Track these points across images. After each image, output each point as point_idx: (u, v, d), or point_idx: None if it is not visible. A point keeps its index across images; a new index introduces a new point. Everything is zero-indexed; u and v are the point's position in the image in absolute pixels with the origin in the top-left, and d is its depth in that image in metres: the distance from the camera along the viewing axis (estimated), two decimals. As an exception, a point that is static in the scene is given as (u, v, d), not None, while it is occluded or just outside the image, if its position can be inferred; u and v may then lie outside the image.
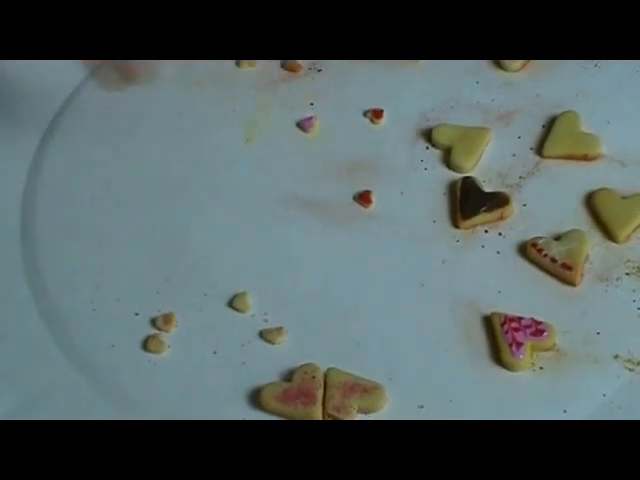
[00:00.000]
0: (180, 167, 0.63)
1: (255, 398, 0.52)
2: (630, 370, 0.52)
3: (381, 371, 0.53)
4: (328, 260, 0.58)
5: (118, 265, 0.59)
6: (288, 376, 0.53)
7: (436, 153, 0.62)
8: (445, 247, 0.58)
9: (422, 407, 0.51)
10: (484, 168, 0.61)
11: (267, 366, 0.53)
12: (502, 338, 0.53)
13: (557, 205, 0.59)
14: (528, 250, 0.56)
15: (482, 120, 0.63)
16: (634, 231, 0.57)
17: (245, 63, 0.68)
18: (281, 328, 0.55)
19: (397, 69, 0.67)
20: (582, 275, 0.55)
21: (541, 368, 0.52)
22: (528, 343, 0.52)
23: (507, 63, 0.66)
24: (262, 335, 0.55)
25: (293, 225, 0.60)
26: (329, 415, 0.51)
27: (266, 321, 0.55)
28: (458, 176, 0.60)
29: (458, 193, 0.59)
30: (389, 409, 0.51)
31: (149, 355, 0.55)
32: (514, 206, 0.59)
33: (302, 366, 0.53)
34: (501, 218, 0.58)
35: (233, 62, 0.68)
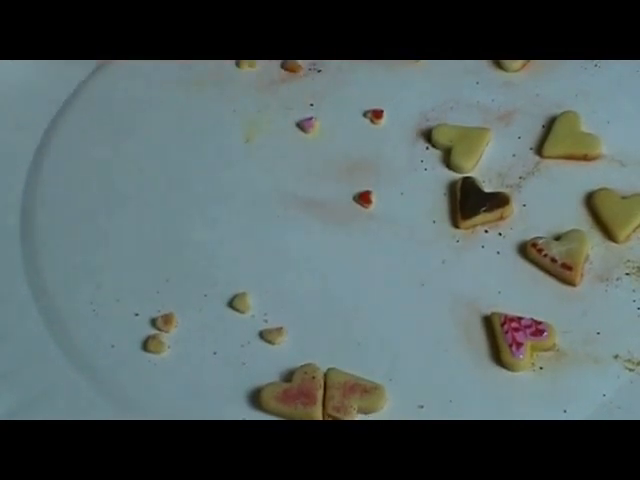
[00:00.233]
0: (180, 167, 0.63)
1: (255, 398, 0.52)
2: (630, 370, 0.52)
3: (381, 371, 0.53)
4: (328, 260, 0.58)
5: (118, 265, 0.59)
6: (288, 376, 0.53)
7: (436, 153, 0.62)
8: (445, 247, 0.58)
9: (422, 407, 0.51)
10: (484, 168, 0.61)
11: (267, 366, 0.53)
12: (502, 338, 0.53)
13: (557, 205, 0.59)
14: (528, 250, 0.56)
15: (482, 120, 0.63)
16: (634, 231, 0.57)
17: (245, 63, 0.68)
18: (281, 328, 0.55)
19: (397, 69, 0.67)
20: (582, 275, 0.55)
21: (541, 368, 0.52)
22: (528, 343, 0.52)
23: (507, 63, 0.66)
24: (262, 335, 0.55)
25: (293, 225, 0.60)
26: (329, 415, 0.51)
27: (266, 321, 0.55)
28: (458, 176, 0.60)
29: (458, 193, 0.59)
30: (389, 409, 0.51)
31: (149, 355, 0.54)
32: (514, 206, 0.59)
33: (302, 366, 0.53)
34: (501, 218, 0.58)
35: (233, 62, 0.68)
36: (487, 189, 0.59)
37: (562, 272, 0.55)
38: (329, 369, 0.52)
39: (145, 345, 0.55)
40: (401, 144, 0.63)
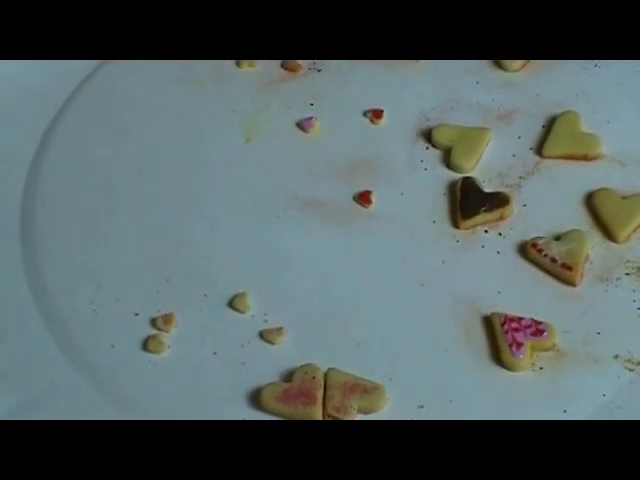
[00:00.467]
0: (180, 167, 0.63)
1: (255, 398, 0.52)
2: (630, 370, 0.52)
3: (381, 371, 0.53)
4: (328, 260, 0.58)
5: (118, 265, 0.59)
6: (288, 376, 0.53)
7: (436, 153, 0.62)
8: (445, 247, 0.58)
9: (422, 407, 0.51)
10: (484, 168, 0.61)
11: (267, 366, 0.53)
12: (502, 338, 0.53)
13: (557, 205, 0.59)
14: (528, 250, 0.56)
15: (482, 120, 0.63)
16: (634, 231, 0.57)
17: (245, 63, 0.68)
18: (281, 328, 0.55)
19: (397, 69, 0.67)
20: (582, 275, 0.55)
21: (541, 368, 0.52)
22: (528, 343, 0.52)
23: (507, 63, 0.66)
24: (262, 335, 0.55)
25: (293, 225, 0.60)
26: (329, 415, 0.51)
27: (266, 321, 0.55)
28: (458, 176, 0.60)
29: (458, 193, 0.59)
30: (389, 409, 0.51)
31: (149, 355, 0.54)
32: (514, 206, 0.59)
33: (302, 366, 0.53)
34: (501, 218, 0.58)
35: (233, 62, 0.68)
36: (487, 189, 0.59)
37: (562, 272, 0.55)
38: (329, 369, 0.52)
39: (145, 345, 0.55)
40: (401, 144, 0.63)
